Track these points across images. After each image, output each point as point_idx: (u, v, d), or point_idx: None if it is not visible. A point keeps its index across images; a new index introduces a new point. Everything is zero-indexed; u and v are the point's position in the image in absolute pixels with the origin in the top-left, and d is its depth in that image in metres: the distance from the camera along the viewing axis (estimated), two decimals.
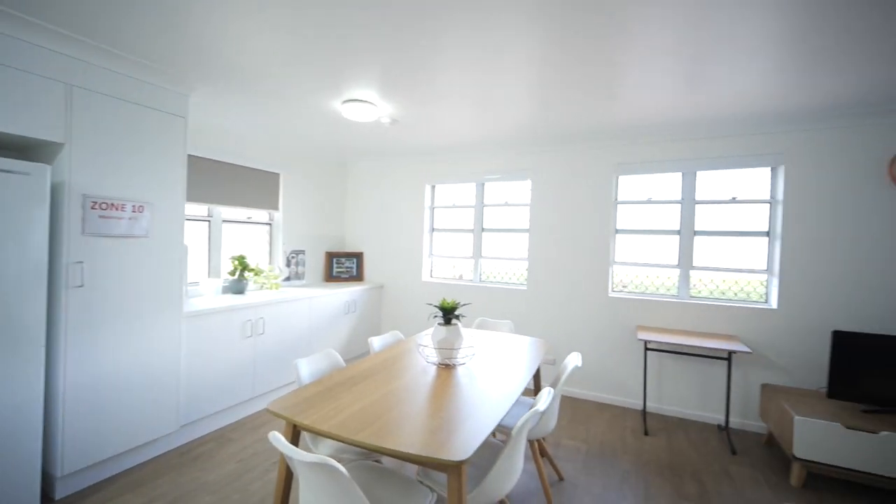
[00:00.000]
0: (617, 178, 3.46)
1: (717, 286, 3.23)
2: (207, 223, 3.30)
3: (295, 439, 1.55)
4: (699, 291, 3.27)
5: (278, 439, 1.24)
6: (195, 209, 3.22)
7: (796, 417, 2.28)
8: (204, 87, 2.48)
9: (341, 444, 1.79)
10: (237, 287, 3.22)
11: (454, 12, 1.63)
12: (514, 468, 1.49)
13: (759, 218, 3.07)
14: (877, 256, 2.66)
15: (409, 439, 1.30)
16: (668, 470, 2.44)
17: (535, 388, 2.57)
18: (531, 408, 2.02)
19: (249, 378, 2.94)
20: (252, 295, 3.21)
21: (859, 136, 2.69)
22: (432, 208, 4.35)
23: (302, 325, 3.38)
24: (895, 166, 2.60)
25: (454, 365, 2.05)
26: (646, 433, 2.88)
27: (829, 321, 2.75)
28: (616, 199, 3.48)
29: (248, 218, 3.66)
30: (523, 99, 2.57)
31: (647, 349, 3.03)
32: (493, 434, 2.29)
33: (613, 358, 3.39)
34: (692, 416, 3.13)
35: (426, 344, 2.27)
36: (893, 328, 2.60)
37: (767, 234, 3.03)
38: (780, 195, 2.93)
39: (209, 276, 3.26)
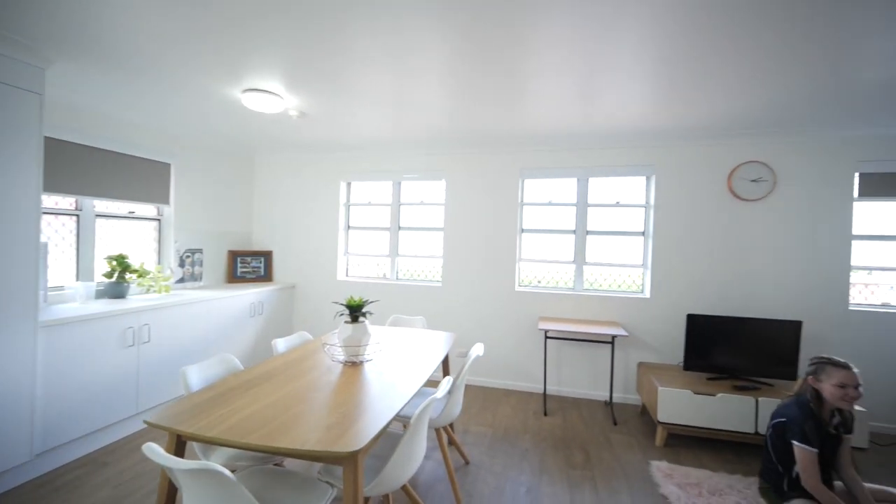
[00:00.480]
0: (522, 181, 3.75)
1: (605, 279, 3.67)
2: (76, 218, 2.86)
3: (180, 451, 1.44)
4: (591, 284, 3.69)
5: (153, 450, 1.15)
6: (59, 202, 2.77)
7: (660, 388, 2.70)
8: (66, 61, 2.15)
9: (236, 451, 1.70)
10: (115, 290, 2.84)
11: (357, 19, 1.64)
12: (413, 455, 1.56)
13: (637, 220, 3.55)
14: (721, 252, 3.25)
15: (304, 437, 1.29)
16: (561, 444, 2.72)
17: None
18: (447, 402, 2.11)
19: (131, 392, 2.62)
20: (136, 299, 2.85)
21: (709, 153, 3.26)
22: (348, 205, 4.27)
23: (198, 330, 3.09)
24: (732, 179, 3.21)
25: (361, 362, 2.06)
26: (545, 414, 3.17)
27: (687, 306, 3.29)
28: (522, 202, 3.76)
29: (131, 213, 3.23)
30: (434, 104, 2.67)
31: (546, 338, 3.33)
32: (404, 426, 2.34)
33: (519, 347, 3.66)
34: (585, 395, 3.51)
35: (332, 342, 2.24)
36: (733, 311, 3.20)
37: (643, 234, 3.53)
38: (652, 201, 3.43)
39: (78, 279, 2.82)
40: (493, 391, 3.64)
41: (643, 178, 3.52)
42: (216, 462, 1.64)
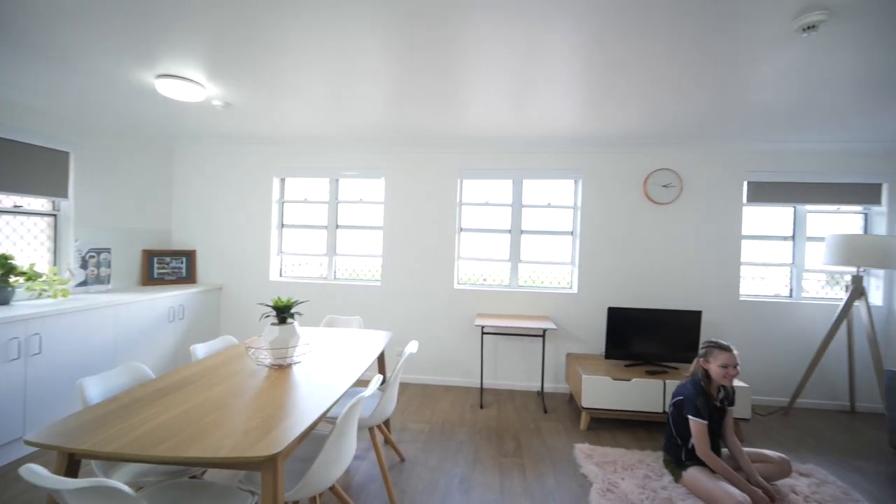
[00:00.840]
0: (461, 181, 3.83)
1: (538, 277, 3.88)
2: None
3: (73, 472, 1.29)
4: (526, 282, 3.87)
5: (34, 472, 1.03)
6: None
7: (584, 376, 2.91)
8: None
9: (144, 466, 1.57)
10: None
11: (286, 13, 1.59)
12: (341, 455, 1.54)
13: (567, 220, 3.79)
14: (638, 250, 3.57)
15: (218, 444, 1.22)
16: (495, 434, 2.83)
17: (385, 378, 2.67)
18: (380, 399, 2.10)
19: (17, 412, 2.29)
20: (24, 305, 2.50)
21: (628, 160, 3.57)
22: (282, 202, 4.08)
23: (103, 339, 2.78)
24: (647, 185, 3.54)
25: (289, 365, 1.99)
26: (481, 406, 3.28)
27: (609, 300, 3.58)
28: (460, 201, 3.85)
29: (17, 207, 2.83)
30: (371, 101, 2.65)
31: (483, 333, 3.44)
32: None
33: (458, 344, 3.74)
34: (519, 386, 3.68)
35: (257, 345, 2.14)
36: (647, 303, 3.53)
37: (572, 233, 3.77)
38: (579, 203, 3.68)
39: None
40: (433, 388, 3.68)
41: (572, 182, 3.77)
42: (120, 479, 1.51)
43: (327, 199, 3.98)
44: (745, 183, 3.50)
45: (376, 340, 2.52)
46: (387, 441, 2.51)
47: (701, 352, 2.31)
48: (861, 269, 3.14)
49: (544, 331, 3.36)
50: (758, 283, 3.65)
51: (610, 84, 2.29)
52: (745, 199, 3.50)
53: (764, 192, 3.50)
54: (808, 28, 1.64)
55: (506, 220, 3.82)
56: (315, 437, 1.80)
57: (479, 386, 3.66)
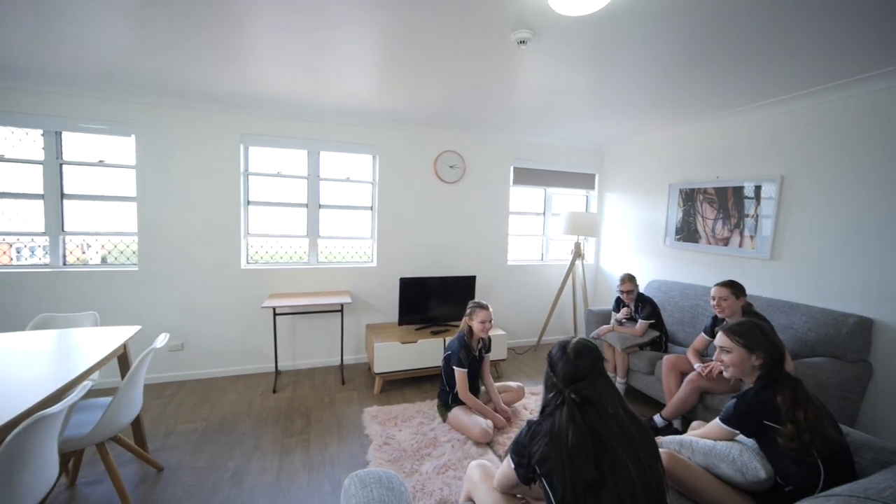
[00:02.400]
0: (247, 148, 3.40)
1: (339, 252, 3.84)
2: None
3: None
4: (327, 257, 3.78)
5: None
6: None
7: (375, 344, 3.07)
8: None
9: None
10: None
11: None
12: (20, 480, 1.18)
13: (367, 195, 3.83)
14: (430, 225, 3.90)
15: None
16: (283, 417, 2.72)
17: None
18: (106, 409, 1.71)
19: None
20: None
21: (420, 139, 3.81)
22: None
23: None
24: (436, 164, 3.87)
25: None
26: (274, 391, 3.11)
27: (405, 271, 3.84)
28: (247, 171, 3.42)
29: None
30: (118, 47, 2.01)
31: (275, 314, 3.22)
32: None
33: (249, 329, 3.42)
34: (320, 363, 3.64)
35: None
36: (437, 272, 3.93)
37: (371, 208, 3.84)
38: (377, 178, 3.76)
39: None
40: (219, 380, 3.29)
41: (370, 157, 3.81)
42: None
43: (42, 159, 2.94)
44: (512, 168, 4.22)
45: (107, 340, 2.03)
46: (137, 455, 2.10)
47: (467, 311, 2.70)
48: (580, 238, 4.23)
49: (342, 305, 3.37)
50: (521, 249, 4.52)
51: (401, 61, 2.30)
52: (511, 182, 4.23)
53: (525, 177, 4.30)
54: (521, 42, 2.01)
55: (303, 193, 3.60)
56: None
57: (273, 370, 3.44)
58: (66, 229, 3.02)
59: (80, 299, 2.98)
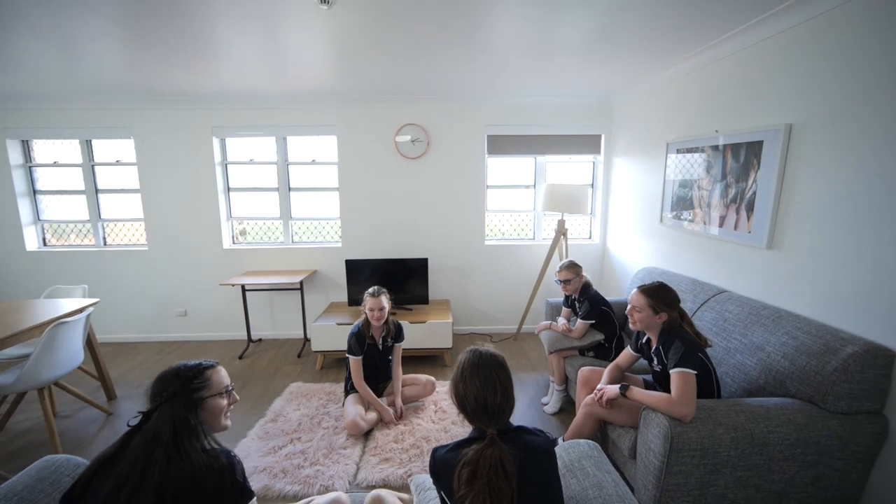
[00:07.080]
0: (222, 140, 3.76)
1: (311, 232, 4.05)
2: None
3: None
4: (301, 238, 4.03)
5: None
6: None
7: (312, 323, 3.23)
8: None
9: None
10: None
11: None
12: None
13: (333, 176, 3.90)
14: (393, 204, 3.80)
15: None
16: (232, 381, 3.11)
17: (95, 363, 2.78)
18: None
19: None
20: None
21: (378, 115, 3.66)
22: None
23: None
24: (396, 140, 3.69)
25: None
26: (241, 357, 3.55)
27: (370, 250, 3.84)
28: (225, 161, 3.81)
29: None
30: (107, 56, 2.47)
31: (244, 290, 3.61)
32: None
33: (231, 301, 3.88)
34: (294, 336, 3.99)
35: None
36: (402, 252, 3.84)
37: (338, 189, 3.91)
38: (339, 158, 3.78)
39: None
40: (209, 344, 3.89)
41: (335, 138, 3.82)
42: None
43: (80, 162, 3.77)
44: (486, 136, 3.74)
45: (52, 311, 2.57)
46: (84, 400, 2.65)
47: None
48: (563, 214, 3.59)
49: (301, 282, 3.59)
50: (509, 227, 4.07)
51: (352, 39, 2.25)
52: (486, 152, 3.77)
53: (503, 145, 3.78)
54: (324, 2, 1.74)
55: (273, 178, 3.86)
56: None
57: (253, 339, 3.89)
58: (102, 217, 3.87)
59: (113, 273, 3.82)
